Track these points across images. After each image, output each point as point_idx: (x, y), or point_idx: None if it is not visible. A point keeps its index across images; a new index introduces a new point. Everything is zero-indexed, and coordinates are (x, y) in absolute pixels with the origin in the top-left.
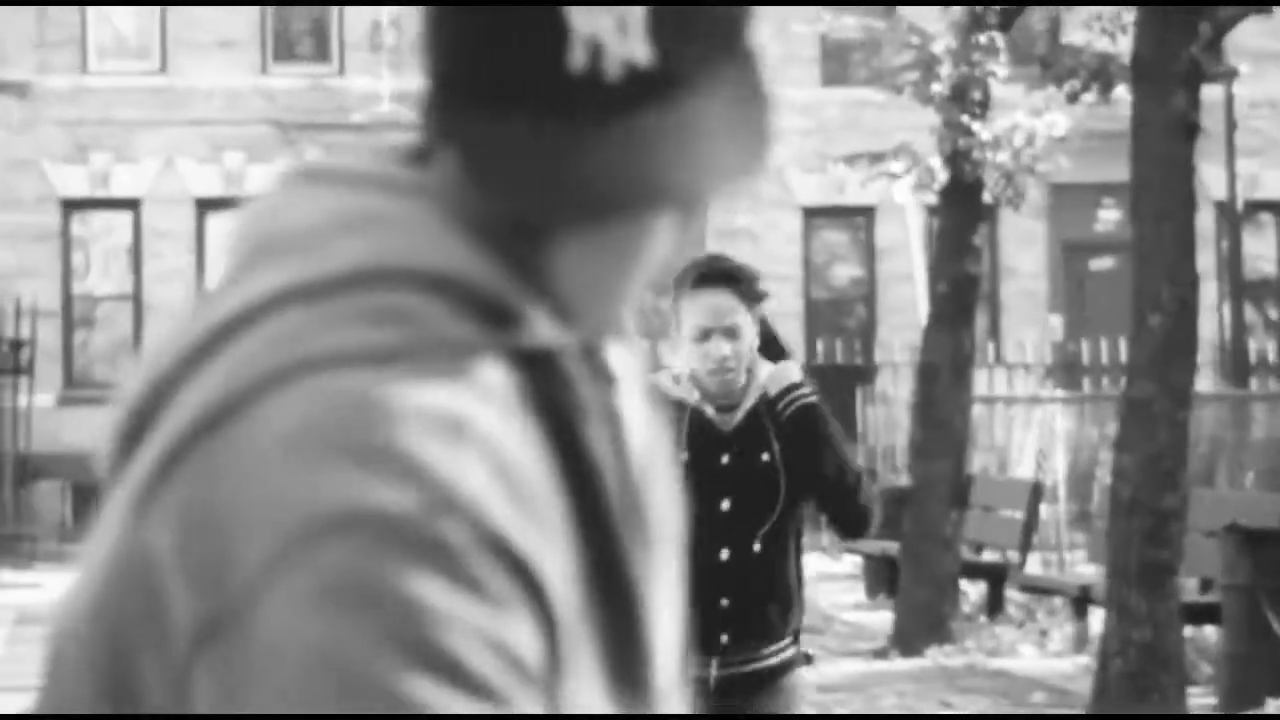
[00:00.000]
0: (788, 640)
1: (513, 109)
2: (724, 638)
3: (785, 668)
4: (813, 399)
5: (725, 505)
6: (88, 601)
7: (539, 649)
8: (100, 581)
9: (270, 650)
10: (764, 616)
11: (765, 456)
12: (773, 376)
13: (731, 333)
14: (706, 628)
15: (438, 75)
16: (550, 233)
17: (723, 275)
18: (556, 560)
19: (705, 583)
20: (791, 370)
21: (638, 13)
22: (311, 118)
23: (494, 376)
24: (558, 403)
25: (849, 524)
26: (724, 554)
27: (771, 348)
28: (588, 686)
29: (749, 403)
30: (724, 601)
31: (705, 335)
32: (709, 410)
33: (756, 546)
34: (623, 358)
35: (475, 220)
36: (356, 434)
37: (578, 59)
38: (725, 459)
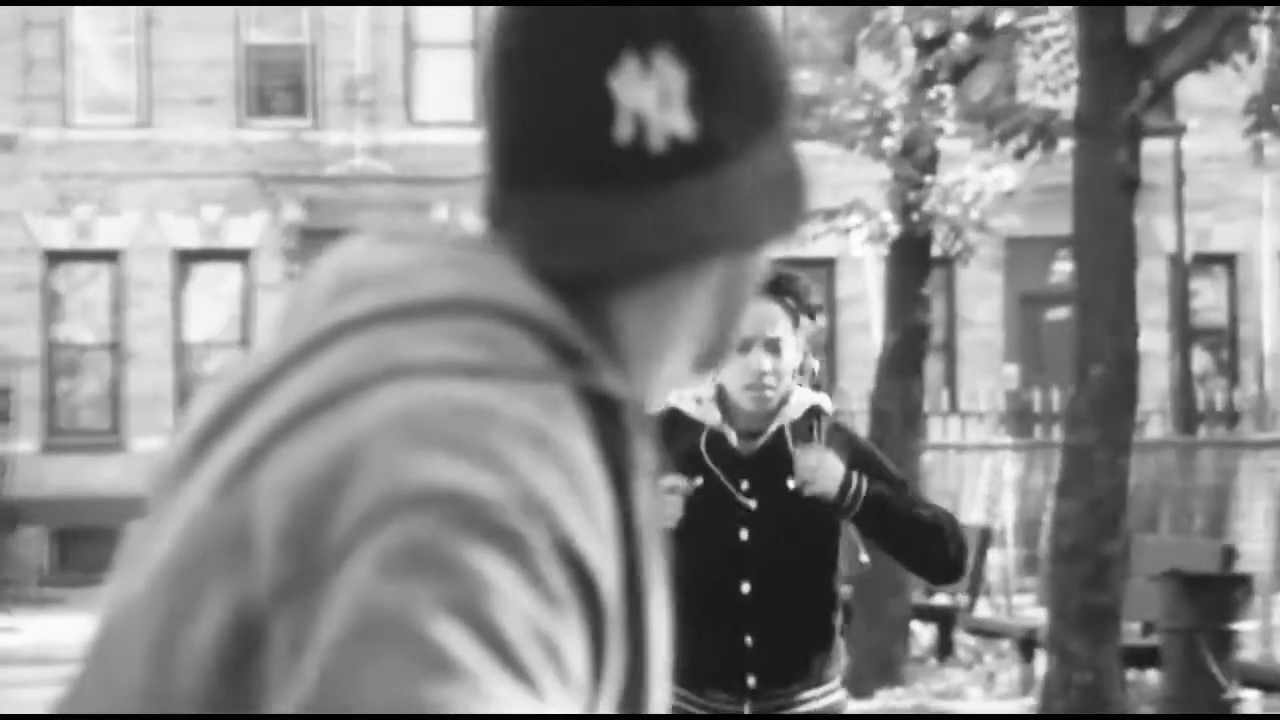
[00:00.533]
0: (830, 685)
1: (568, 181)
2: (750, 680)
3: (827, 714)
4: (869, 490)
5: (744, 535)
6: (150, 581)
7: (585, 656)
8: (172, 557)
9: (339, 603)
10: (795, 656)
11: (789, 484)
12: (809, 470)
13: (774, 346)
14: (729, 666)
15: (500, 150)
16: (608, 292)
17: (771, 284)
18: (610, 578)
19: (726, 617)
20: (833, 467)
21: (678, 86)
22: (288, 170)
23: (568, 404)
24: (615, 449)
25: (934, 574)
26: (745, 587)
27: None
28: (607, 702)
29: (773, 428)
30: (748, 639)
31: (745, 346)
32: (730, 434)
33: (781, 580)
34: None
35: (545, 276)
36: (453, 429)
37: (624, 132)
38: (744, 485)
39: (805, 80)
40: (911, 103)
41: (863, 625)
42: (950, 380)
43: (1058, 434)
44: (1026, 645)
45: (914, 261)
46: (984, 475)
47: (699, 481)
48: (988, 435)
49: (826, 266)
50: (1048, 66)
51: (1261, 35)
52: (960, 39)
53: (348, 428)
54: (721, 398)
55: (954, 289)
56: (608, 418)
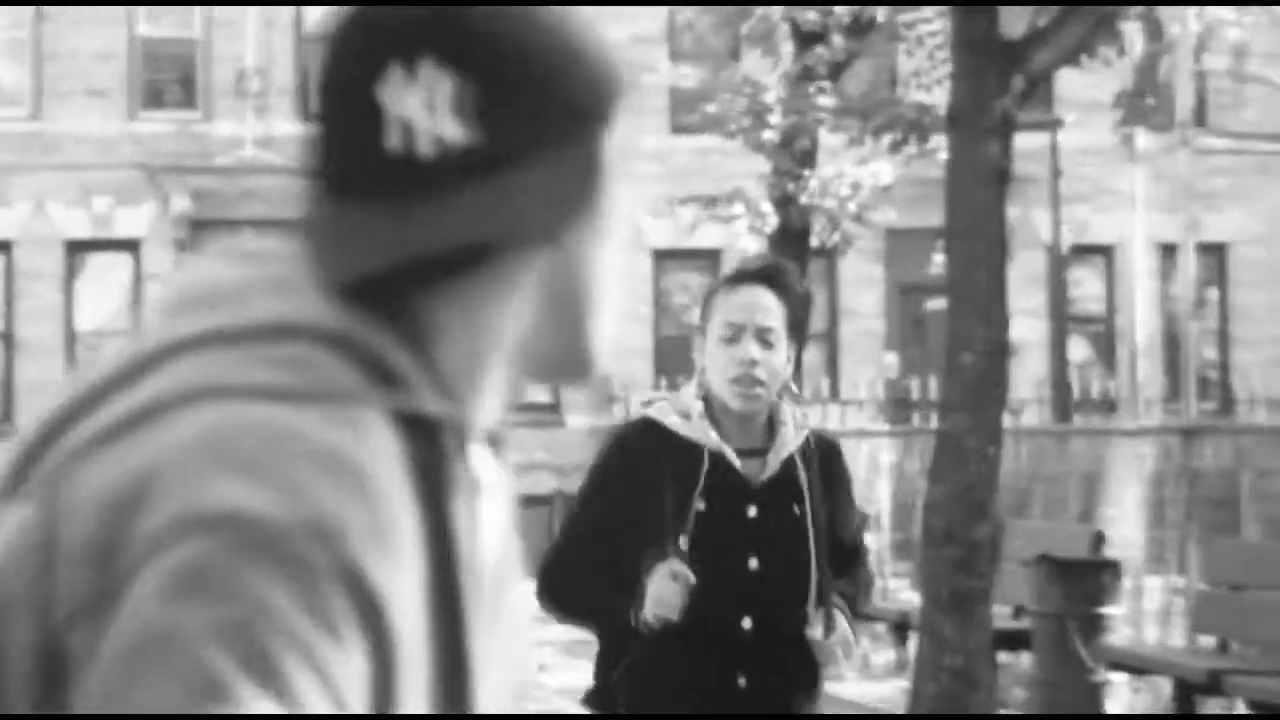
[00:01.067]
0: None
1: (350, 191)
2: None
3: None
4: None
5: (753, 564)
6: None
7: (365, 679)
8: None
9: (120, 622)
10: (786, 704)
11: (796, 510)
12: (834, 657)
13: (765, 337)
14: (719, 705)
15: (305, 164)
16: (419, 306)
17: (765, 274)
18: (406, 606)
19: (720, 654)
20: (847, 637)
21: (445, 94)
22: (178, 161)
23: (378, 430)
24: (430, 469)
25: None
26: (746, 622)
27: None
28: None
29: (783, 454)
30: (740, 680)
31: (734, 336)
32: (732, 457)
33: (784, 616)
34: (492, 466)
35: (370, 298)
36: (250, 452)
37: (394, 140)
38: (751, 513)
39: (687, 75)
40: (790, 97)
41: None
42: (832, 369)
43: (935, 421)
44: (900, 628)
45: (792, 252)
46: (861, 461)
47: (700, 506)
48: (867, 422)
49: (713, 256)
50: (922, 63)
51: (1131, 32)
52: (837, 36)
53: (152, 448)
54: (710, 411)
55: (835, 280)
56: (423, 439)
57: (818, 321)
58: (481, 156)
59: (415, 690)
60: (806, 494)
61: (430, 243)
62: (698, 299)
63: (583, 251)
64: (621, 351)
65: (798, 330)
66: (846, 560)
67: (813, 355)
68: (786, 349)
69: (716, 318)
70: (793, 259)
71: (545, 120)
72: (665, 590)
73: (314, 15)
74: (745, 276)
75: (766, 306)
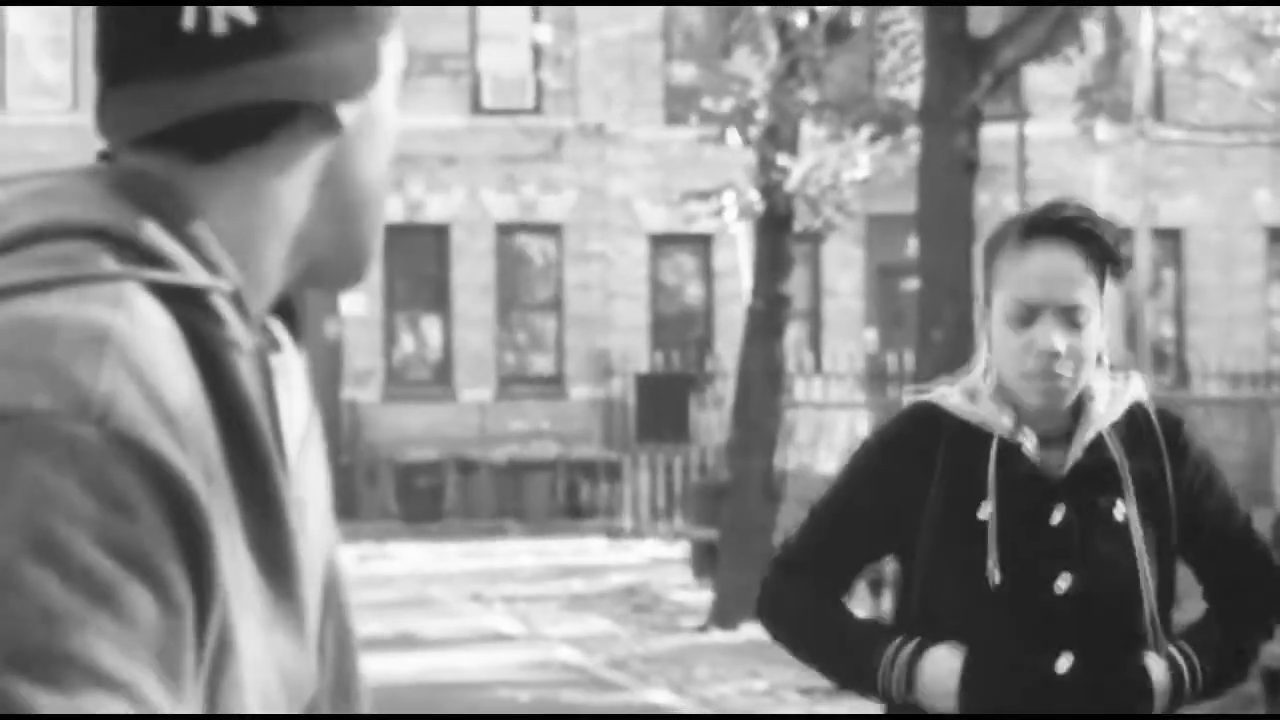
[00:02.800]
0: None
1: (145, 71)
2: None
3: None
4: (1202, 666)
5: (1062, 586)
6: None
7: (169, 542)
8: None
9: None
10: None
11: (1117, 514)
12: None
13: (1072, 317)
14: None
15: (98, 55)
16: (196, 184)
17: (1066, 227)
18: (198, 465)
19: (1034, 702)
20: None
21: None
22: None
23: (144, 304)
24: (206, 338)
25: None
26: (1062, 664)
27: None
28: (243, 582)
29: (1090, 432)
30: None
31: (1027, 317)
32: (1027, 444)
33: (1113, 651)
34: (289, 356)
35: (133, 190)
36: (11, 346)
37: (190, 19)
38: (1056, 517)
39: (684, 73)
40: (774, 93)
41: (729, 565)
42: (815, 344)
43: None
44: (875, 584)
45: (778, 236)
46: (841, 430)
47: (987, 512)
48: (848, 394)
49: (705, 241)
50: (897, 61)
51: (1092, 30)
52: (818, 36)
53: None
54: (1004, 391)
55: (819, 261)
56: (197, 310)
57: (801, 300)
58: (268, 36)
59: (234, 551)
60: (1127, 485)
61: (208, 102)
62: (694, 279)
63: (357, 149)
64: (620, 328)
65: (1115, 272)
66: (1229, 568)
67: (797, 331)
68: (1100, 319)
69: (1003, 290)
70: (778, 242)
71: (329, 12)
72: (939, 681)
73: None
74: (1039, 229)
75: (1070, 276)
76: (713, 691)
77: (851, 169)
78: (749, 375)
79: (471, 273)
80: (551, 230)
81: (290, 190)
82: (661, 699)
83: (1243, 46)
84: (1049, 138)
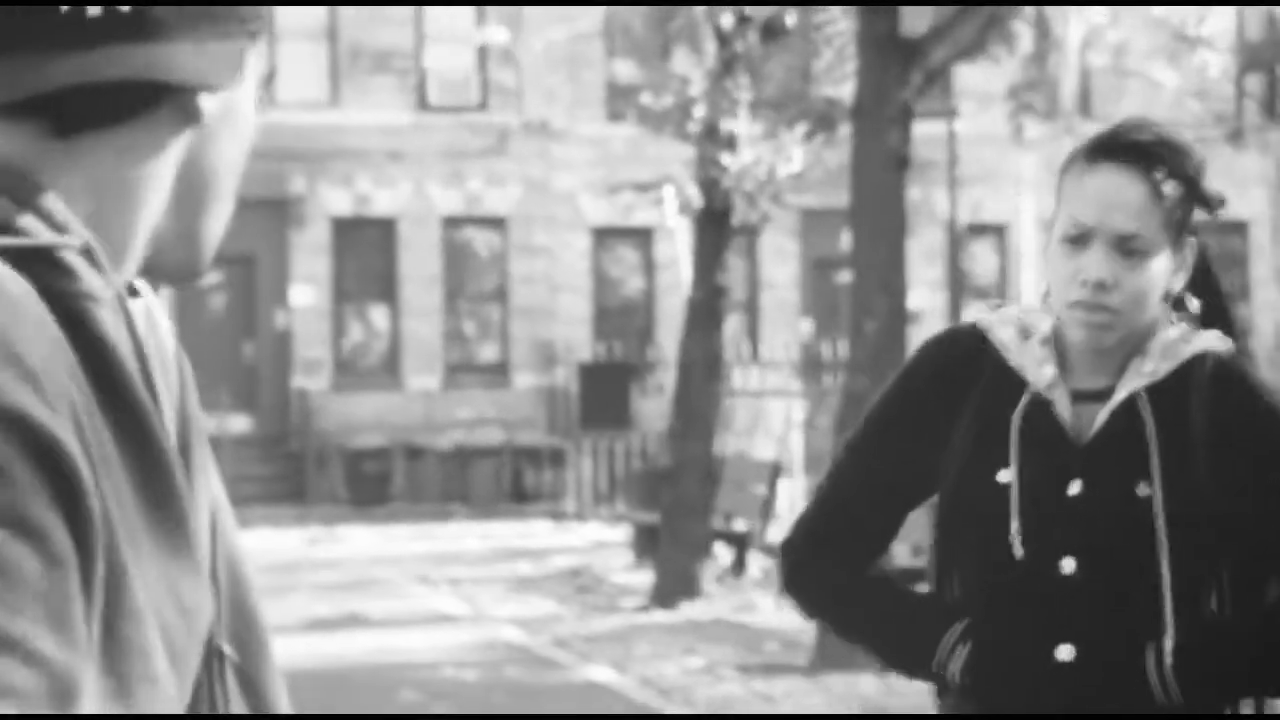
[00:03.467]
0: None
1: (21, 48)
2: None
3: None
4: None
5: (1067, 568)
6: None
7: (43, 495)
8: None
9: None
10: None
11: (1140, 491)
12: None
13: (1126, 245)
14: None
15: None
16: (47, 169)
17: (1135, 150)
18: (67, 415)
19: (1037, 697)
20: None
21: None
22: None
23: None
24: (60, 290)
25: None
26: (1062, 653)
27: (1214, 311)
28: (131, 521)
29: (1123, 391)
30: None
31: (1081, 240)
32: (1062, 402)
33: (1117, 647)
34: (149, 298)
35: None
36: None
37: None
38: (1073, 489)
39: (624, 71)
40: (712, 91)
41: (669, 547)
42: (752, 334)
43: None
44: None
45: (716, 230)
46: (777, 417)
47: (1006, 477)
48: (784, 382)
49: (646, 234)
50: (831, 60)
51: (1021, 30)
52: (754, 36)
53: None
54: (1059, 337)
55: (756, 254)
56: (47, 267)
57: (739, 291)
58: (138, 20)
59: (119, 493)
60: (1153, 457)
61: (69, 77)
62: (635, 271)
63: (215, 144)
64: (564, 319)
65: (1182, 226)
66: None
67: (735, 322)
68: (1171, 257)
69: (1063, 209)
70: (716, 235)
71: (202, 9)
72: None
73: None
74: (1105, 151)
75: (1128, 201)
76: (652, 669)
77: (786, 165)
78: (689, 364)
79: (418, 265)
80: (496, 224)
81: (145, 178)
82: (603, 676)
83: (1166, 46)
84: (978, 134)
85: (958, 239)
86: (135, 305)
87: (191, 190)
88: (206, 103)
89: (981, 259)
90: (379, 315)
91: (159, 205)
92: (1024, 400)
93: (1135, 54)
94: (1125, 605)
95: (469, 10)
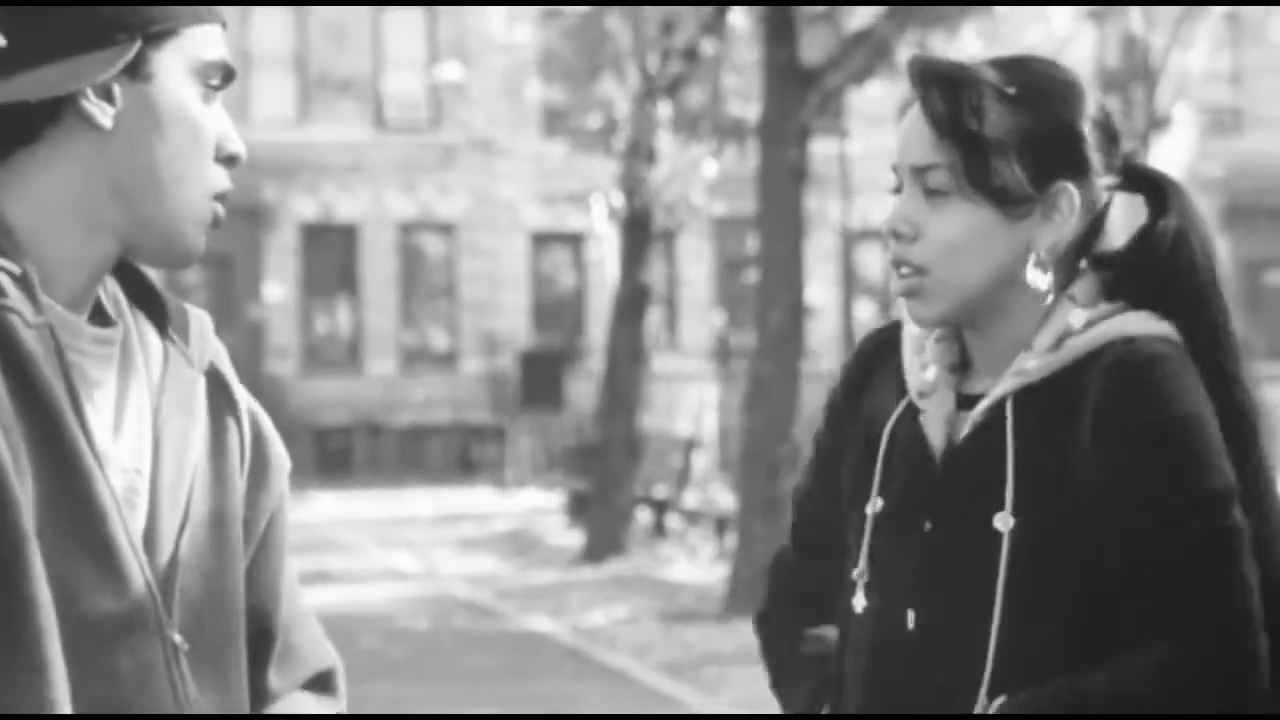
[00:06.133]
0: None
1: None
2: None
3: None
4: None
5: (911, 620)
6: None
7: None
8: None
9: None
10: None
11: (997, 524)
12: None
13: (925, 180)
14: None
15: None
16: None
17: (933, 74)
18: None
19: None
20: None
21: None
22: None
23: None
24: None
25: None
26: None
27: (1158, 287)
28: (40, 516)
29: (997, 392)
30: None
31: (897, 190)
32: (930, 411)
33: (954, 705)
34: (148, 339)
35: None
36: None
37: None
38: (926, 524)
39: (558, 95)
40: (635, 111)
41: (597, 511)
42: (671, 325)
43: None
44: (720, 526)
45: (639, 234)
46: (691, 397)
47: (878, 508)
48: (698, 367)
49: (577, 239)
50: (739, 83)
51: (904, 59)
52: (673, 63)
53: None
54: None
55: (675, 255)
56: None
57: (659, 288)
58: (11, 54)
59: (23, 483)
60: (1010, 481)
61: None
62: (568, 270)
63: (134, 142)
64: (505, 312)
65: (1041, 166)
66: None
67: (656, 314)
68: (1010, 206)
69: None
70: (639, 239)
71: (66, 34)
72: None
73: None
74: (913, 86)
75: (922, 129)
76: (583, 618)
77: (700, 177)
78: (615, 352)
79: (377, 265)
80: (446, 229)
81: (63, 182)
82: (539, 625)
83: None
84: (869, 152)
85: (849, 242)
86: (134, 342)
87: (137, 185)
88: (100, 108)
89: (869, 261)
90: (342, 309)
91: (83, 204)
92: (896, 412)
93: None
94: (957, 664)
95: (421, 42)
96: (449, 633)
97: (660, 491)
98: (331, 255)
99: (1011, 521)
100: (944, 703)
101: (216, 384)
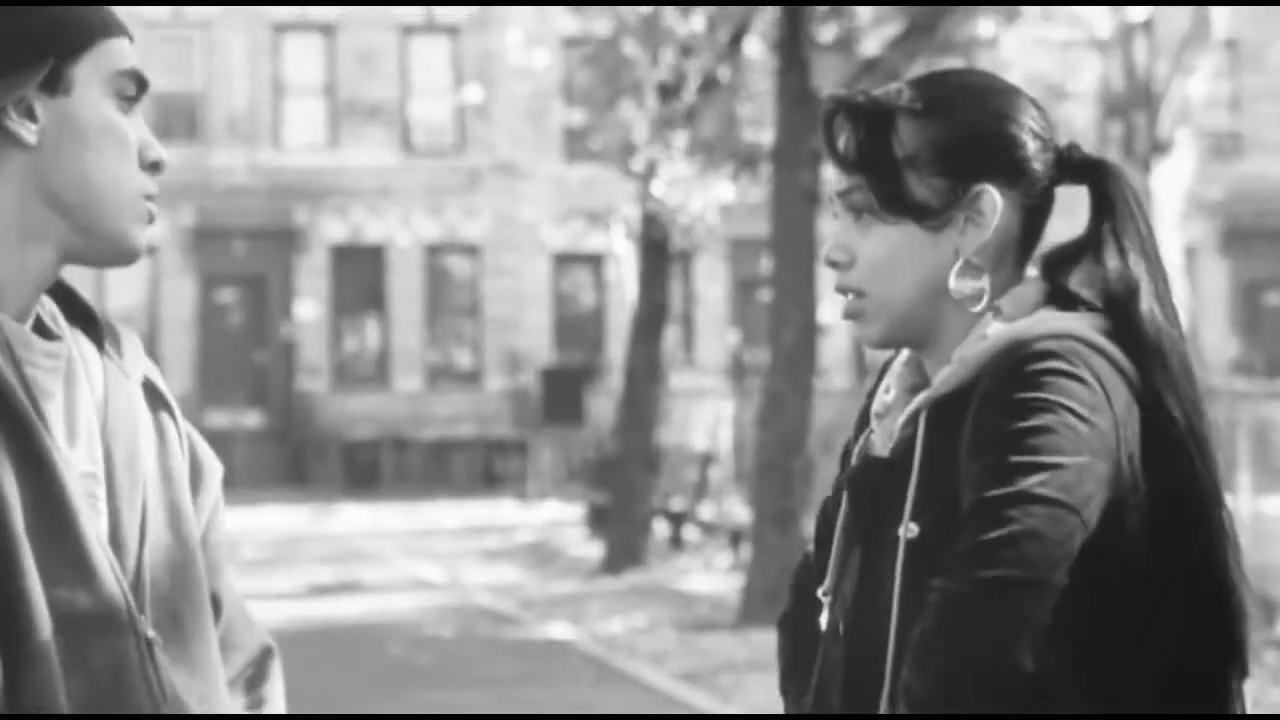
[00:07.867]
0: None
1: None
2: None
3: None
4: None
5: (831, 623)
6: None
7: None
8: None
9: None
10: None
11: (903, 531)
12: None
13: (850, 203)
14: None
15: None
16: None
17: (834, 111)
18: None
19: None
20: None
21: None
22: (185, 185)
23: None
24: None
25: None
26: None
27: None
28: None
29: (914, 405)
30: None
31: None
32: (879, 431)
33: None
34: (86, 353)
35: None
36: None
37: None
38: (860, 537)
39: (579, 120)
40: (653, 136)
41: (617, 523)
42: (687, 343)
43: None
44: (735, 538)
45: (657, 255)
46: (707, 413)
47: (840, 525)
48: (714, 384)
49: (597, 259)
50: (754, 110)
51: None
52: (690, 90)
53: None
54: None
55: (691, 275)
56: None
57: (676, 307)
58: None
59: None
60: (911, 491)
61: None
62: (588, 290)
63: (59, 154)
64: (528, 330)
65: (958, 175)
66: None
67: (672, 333)
68: (933, 221)
69: None
70: (657, 260)
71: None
72: None
73: (288, 69)
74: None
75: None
76: (601, 626)
77: (716, 199)
78: (634, 369)
79: (404, 285)
80: (471, 250)
81: (3, 204)
82: (560, 633)
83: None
84: None
85: None
86: (76, 355)
87: (73, 195)
88: (23, 126)
89: None
90: (371, 328)
91: (19, 216)
92: (865, 434)
93: None
94: (868, 666)
95: (447, 69)
96: (473, 641)
97: (677, 504)
98: (360, 276)
99: (915, 530)
100: (863, 707)
101: (152, 391)
